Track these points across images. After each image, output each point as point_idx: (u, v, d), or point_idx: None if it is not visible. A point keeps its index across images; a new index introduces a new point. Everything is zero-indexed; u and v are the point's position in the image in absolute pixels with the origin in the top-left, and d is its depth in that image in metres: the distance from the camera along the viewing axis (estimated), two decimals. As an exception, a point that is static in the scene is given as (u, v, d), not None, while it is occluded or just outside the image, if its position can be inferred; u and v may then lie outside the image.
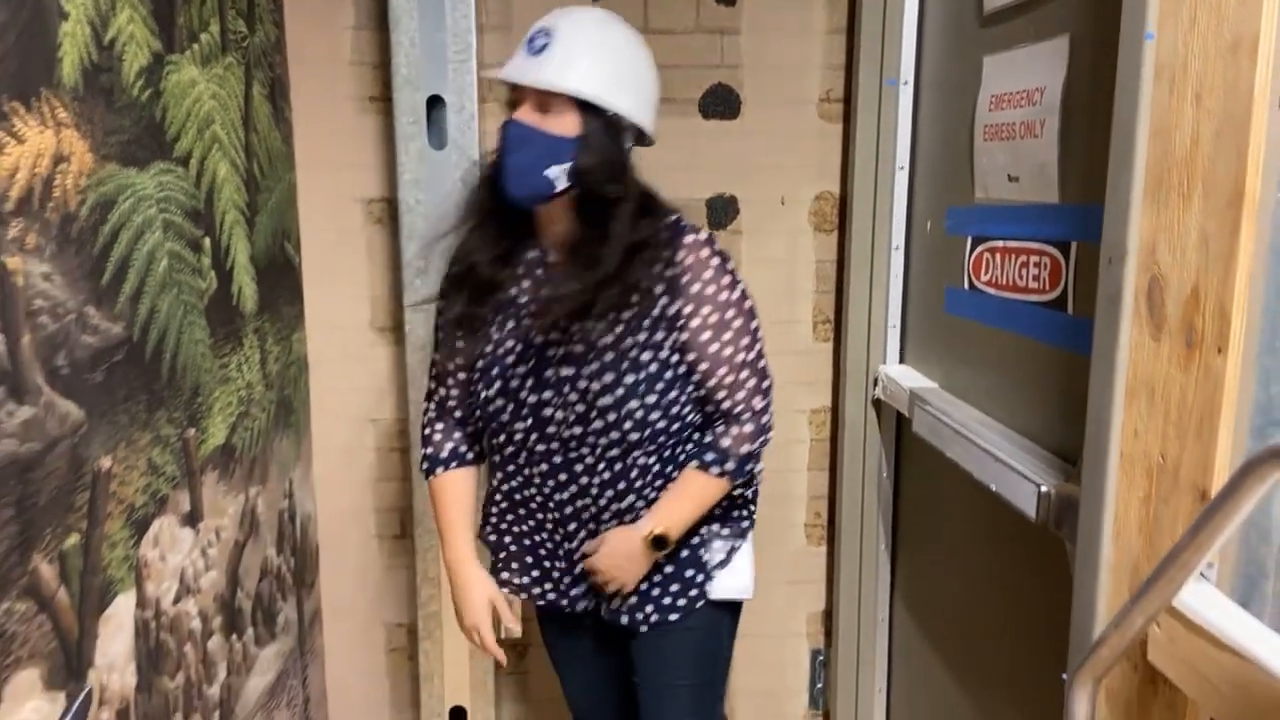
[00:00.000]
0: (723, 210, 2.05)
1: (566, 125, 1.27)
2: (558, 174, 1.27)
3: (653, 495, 1.41)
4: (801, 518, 2.19)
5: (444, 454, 1.50)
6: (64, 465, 1.07)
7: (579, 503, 1.41)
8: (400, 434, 2.08)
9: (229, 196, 1.61)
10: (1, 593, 0.95)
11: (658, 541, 1.38)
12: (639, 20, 1.96)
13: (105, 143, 1.18)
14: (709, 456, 1.40)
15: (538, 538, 1.47)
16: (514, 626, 1.50)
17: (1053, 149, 1.31)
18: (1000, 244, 1.48)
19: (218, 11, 1.57)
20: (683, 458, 1.42)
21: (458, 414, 1.49)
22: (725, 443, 1.40)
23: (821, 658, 2.24)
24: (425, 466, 1.52)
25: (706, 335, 1.35)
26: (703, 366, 1.36)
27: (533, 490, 1.43)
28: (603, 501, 1.40)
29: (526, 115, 1.29)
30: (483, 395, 1.40)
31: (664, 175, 1.42)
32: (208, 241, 1.51)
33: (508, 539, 1.50)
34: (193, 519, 1.44)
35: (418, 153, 1.84)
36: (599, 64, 1.28)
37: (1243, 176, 0.83)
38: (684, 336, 1.35)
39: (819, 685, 2.25)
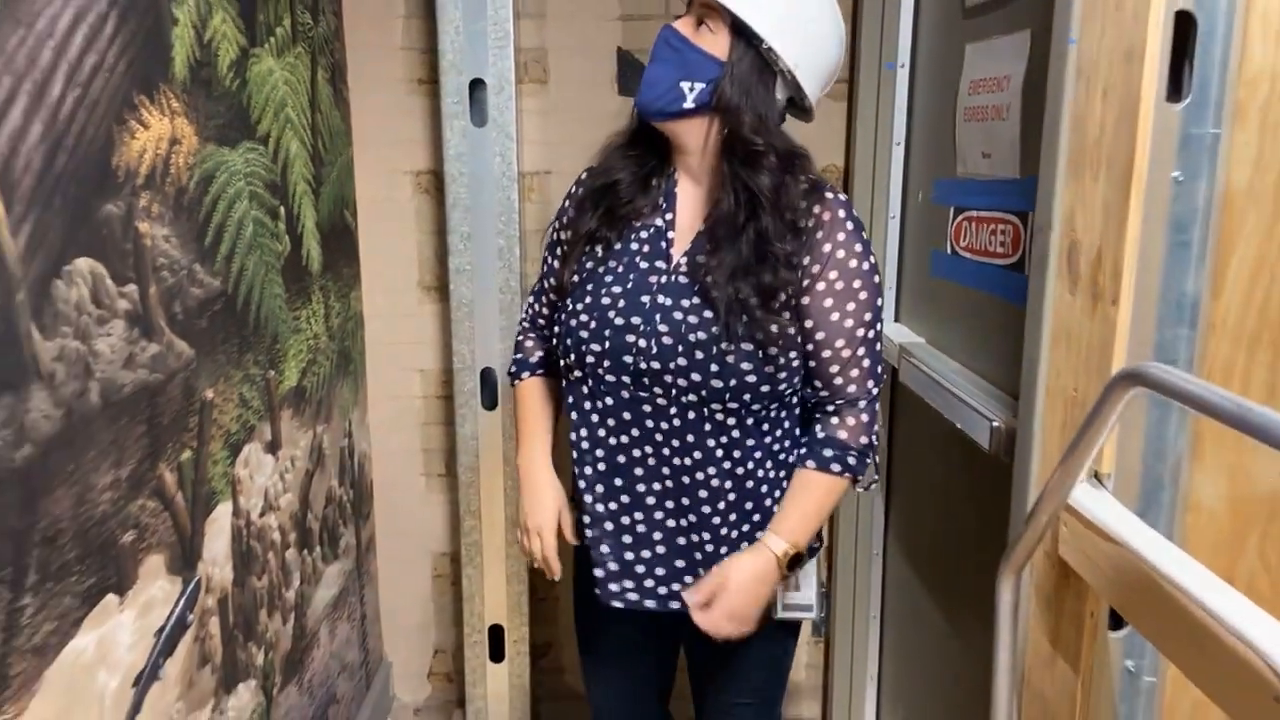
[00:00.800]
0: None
1: (716, 45, 1.22)
2: (691, 90, 1.23)
3: (726, 464, 1.31)
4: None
5: (532, 360, 1.51)
6: (179, 393, 1.32)
7: (638, 450, 1.32)
8: (444, 383, 2.32)
9: (299, 170, 1.84)
10: (138, 492, 1.20)
11: (794, 561, 1.30)
12: (660, 6, 2.16)
13: (206, 126, 1.42)
14: (827, 453, 1.31)
15: (613, 508, 1.36)
16: (555, 566, 1.45)
17: (1015, 129, 1.49)
18: (975, 213, 1.67)
19: (289, 7, 1.79)
20: (770, 440, 1.33)
21: (548, 332, 1.48)
22: (841, 435, 1.32)
23: (824, 590, 2.46)
24: (512, 370, 1.51)
25: (830, 301, 1.27)
26: (819, 335, 1.28)
27: (584, 433, 1.35)
28: (665, 452, 1.31)
29: (681, 25, 1.25)
30: (571, 306, 1.34)
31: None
32: (283, 210, 1.75)
33: (586, 519, 1.39)
34: (273, 447, 1.69)
35: (461, 130, 2.06)
36: (783, 19, 1.22)
37: (1132, 158, 1.02)
38: (804, 299, 1.27)
39: (822, 614, 2.48)
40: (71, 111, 1.06)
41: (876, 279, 1.30)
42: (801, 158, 1.29)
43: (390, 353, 2.31)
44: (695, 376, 1.26)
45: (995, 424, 1.42)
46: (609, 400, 1.32)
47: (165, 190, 1.28)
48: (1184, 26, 1.01)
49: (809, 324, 1.28)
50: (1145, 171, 1.02)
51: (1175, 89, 1.03)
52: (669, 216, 1.34)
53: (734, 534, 1.35)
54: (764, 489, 1.36)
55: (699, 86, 1.24)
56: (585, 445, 1.35)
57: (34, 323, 0.98)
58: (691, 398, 1.28)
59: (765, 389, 1.29)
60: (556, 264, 1.44)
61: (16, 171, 0.96)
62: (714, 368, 1.25)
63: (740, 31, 1.22)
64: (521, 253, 2.13)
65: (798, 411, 1.38)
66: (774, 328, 1.26)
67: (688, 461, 1.31)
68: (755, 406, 1.30)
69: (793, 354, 1.29)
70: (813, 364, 1.31)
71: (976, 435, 1.48)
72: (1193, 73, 1.01)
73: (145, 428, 1.22)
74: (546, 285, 1.48)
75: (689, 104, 1.25)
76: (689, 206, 1.34)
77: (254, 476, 1.59)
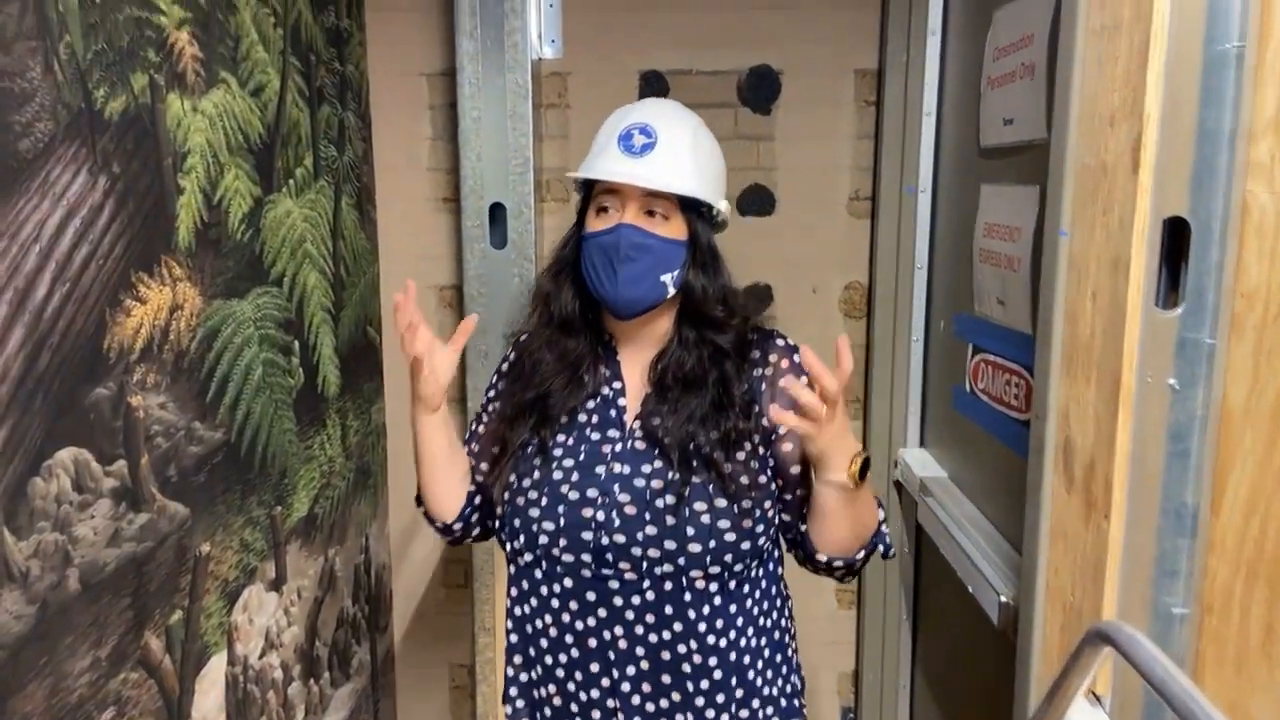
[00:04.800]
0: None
1: (675, 228, 1.24)
2: (670, 279, 1.24)
3: (710, 636, 1.24)
4: (832, 584, 2.33)
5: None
6: (171, 555, 1.34)
7: (608, 633, 1.25)
8: (466, 494, 2.32)
9: (317, 300, 1.88)
10: (119, 667, 1.21)
11: (865, 465, 1.19)
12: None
13: (213, 284, 1.45)
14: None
15: (584, 700, 1.28)
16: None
17: (1026, 286, 1.44)
18: (992, 358, 1.62)
19: (311, 145, 1.84)
20: (750, 604, 1.28)
21: (475, 478, 1.40)
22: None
23: (851, 715, 2.38)
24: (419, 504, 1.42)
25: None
26: (796, 472, 1.26)
27: (548, 620, 1.28)
28: (639, 631, 1.24)
29: (636, 219, 1.22)
30: (516, 484, 1.30)
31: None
32: (297, 344, 1.78)
33: (522, 704, 1.34)
34: (277, 584, 1.70)
35: (481, 252, 2.08)
36: (699, 162, 1.25)
37: (1120, 368, 0.96)
38: (776, 445, 1.26)
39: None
40: (59, 308, 1.09)
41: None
42: (737, 295, 1.30)
43: (412, 463, 2.32)
44: (669, 544, 1.21)
45: (1003, 599, 1.35)
46: (567, 582, 1.26)
47: (162, 359, 1.31)
48: (1180, 231, 0.96)
49: (793, 470, 1.27)
50: (1134, 383, 0.97)
51: (1173, 289, 0.98)
52: (617, 385, 1.32)
53: (722, 717, 1.30)
54: (747, 659, 1.30)
55: (675, 273, 1.24)
56: (553, 633, 1.28)
57: (6, 527, 1.00)
58: (667, 568, 1.22)
59: (746, 545, 1.24)
60: (482, 442, 1.40)
61: (-7, 382, 0.99)
62: (690, 531, 1.20)
63: (689, 205, 1.24)
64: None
65: (771, 565, 1.34)
66: (744, 479, 1.23)
67: (665, 637, 1.25)
68: (737, 567, 1.25)
69: (767, 503, 1.26)
70: (789, 498, 1.28)
71: (986, 607, 1.41)
72: (1187, 279, 0.96)
73: (130, 600, 1.24)
74: (472, 450, 1.42)
75: (670, 292, 1.25)
76: (635, 369, 1.32)
77: (253, 619, 1.60)
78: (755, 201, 2.17)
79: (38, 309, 1.05)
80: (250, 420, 1.58)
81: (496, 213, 2.09)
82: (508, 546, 1.32)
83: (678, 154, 1.23)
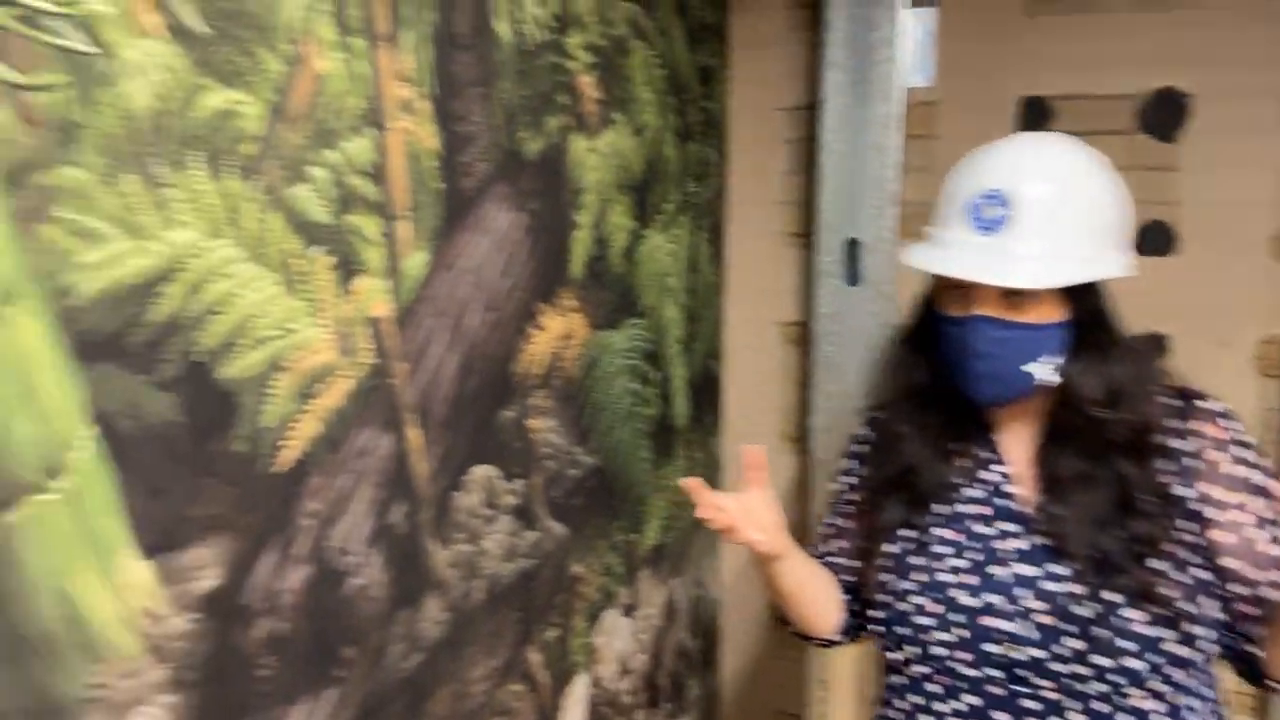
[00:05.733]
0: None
1: (1046, 310, 1.05)
2: (1040, 368, 1.06)
3: None
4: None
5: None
6: (552, 574, 1.39)
7: None
8: (799, 535, 2.26)
9: (673, 333, 1.91)
10: (508, 677, 1.27)
11: None
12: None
13: (595, 315, 1.51)
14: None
15: None
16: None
17: None
18: None
19: (678, 181, 1.88)
20: (1192, 716, 1.08)
21: (844, 578, 1.30)
22: None
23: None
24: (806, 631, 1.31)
25: (1245, 531, 1.06)
26: (1244, 571, 1.06)
27: None
28: None
29: (994, 308, 1.04)
30: (898, 587, 1.14)
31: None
32: (656, 375, 1.81)
33: None
34: (630, 610, 1.73)
35: (833, 288, 2.02)
36: (1079, 229, 1.03)
37: None
38: (1213, 534, 1.06)
39: None
40: (485, 335, 1.17)
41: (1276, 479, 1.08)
42: (1156, 373, 1.12)
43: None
44: (1101, 660, 1.04)
45: None
46: (973, 699, 1.11)
47: (554, 385, 1.37)
48: None
49: (1225, 562, 1.07)
50: None
51: None
52: (1000, 469, 1.15)
53: None
54: None
55: (1047, 361, 1.07)
56: None
57: (434, 536, 1.08)
58: (1101, 687, 1.05)
59: (1184, 652, 1.05)
60: (848, 538, 1.29)
61: (435, 402, 1.06)
62: (1124, 644, 1.03)
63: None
64: (889, 416, 2.02)
65: (1211, 670, 1.13)
66: (1174, 579, 1.05)
67: None
68: (1177, 676, 1.06)
69: (1211, 601, 1.07)
70: (1236, 596, 1.08)
71: None
72: None
73: (520, 614, 1.29)
74: (839, 548, 1.31)
75: (1043, 380, 1.08)
76: (1017, 447, 1.15)
77: (611, 642, 1.63)
78: (1153, 239, 1.92)
79: (469, 335, 1.13)
80: (617, 448, 1.63)
81: (852, 248, 2.02)
82: (892, 655, 1.19)
83: (1043, 225, 1.02)
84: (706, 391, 2.17)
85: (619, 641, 1.67)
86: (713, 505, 1.12)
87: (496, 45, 1.15)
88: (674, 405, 1.93)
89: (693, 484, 1.13)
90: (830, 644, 1.33)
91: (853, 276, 2.01)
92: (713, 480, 2.23)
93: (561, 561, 1.42)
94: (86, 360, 0.64)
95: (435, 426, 1.07)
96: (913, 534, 1.17)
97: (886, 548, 1.19)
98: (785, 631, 2.29)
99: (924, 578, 1.13)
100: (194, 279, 0.72)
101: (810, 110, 2.10)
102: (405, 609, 1.03)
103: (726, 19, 2.13)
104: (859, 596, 1.27)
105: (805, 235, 2.17)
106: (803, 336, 2.21)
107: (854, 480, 1.32)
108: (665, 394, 1.88)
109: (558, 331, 1.37)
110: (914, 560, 1.15)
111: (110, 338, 0.66)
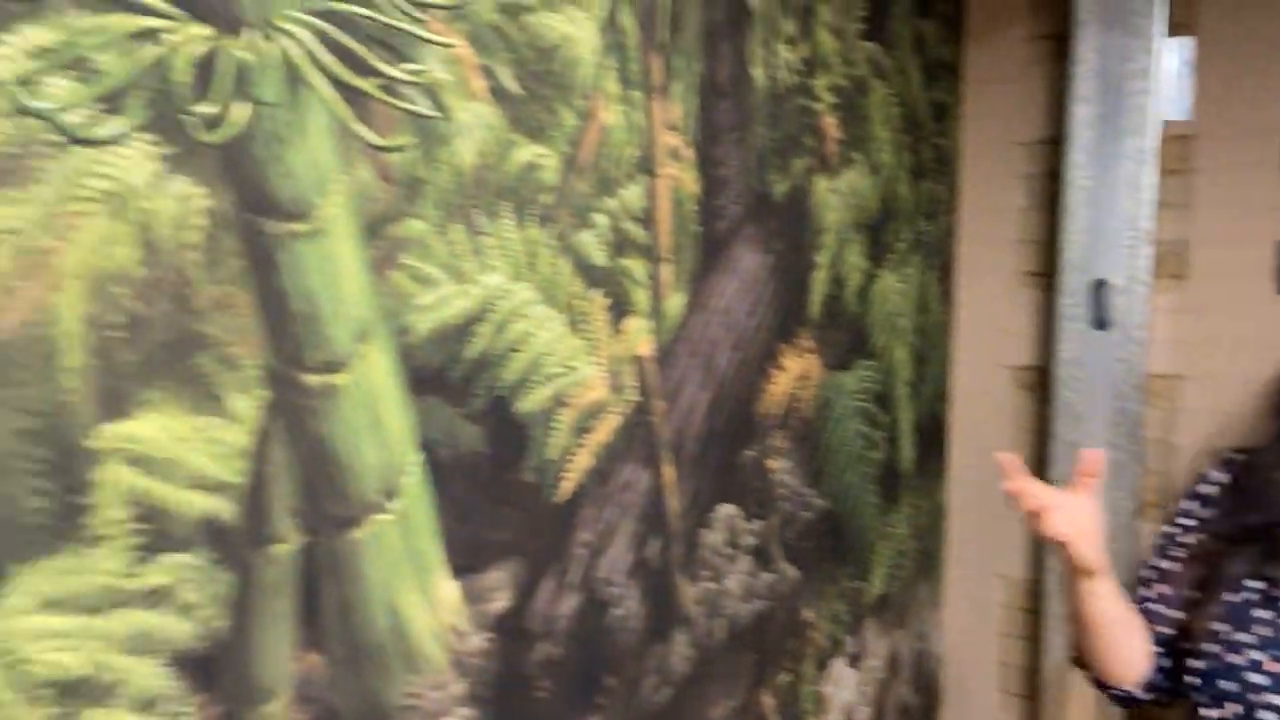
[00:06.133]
0: None
1: None
2: None
3: None
4: None
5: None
6: (785, 617, 1.37)
7: None
8: (1030, 594, 2.12)
9: (902, 376, 1.86)
10: (744, 718, 1.26)
11: None
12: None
13: (829, 355, 1.49)
14: None
15: None
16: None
17: None
18: None
19: (910, 219, 1.84)
20: None
21: (1160, 629, 1.23)
22: None
23: None
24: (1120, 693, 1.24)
25: None
26: None
27: None
28: None
29: None
30: (1234, 639, 1.08)
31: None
32: (885, 418, 1.77)
33: None
34: (855, 660, 1.68)
35: (1077, 332, 1.90)
36: None
37: None
38: None
39: None
40: (732, 374, 1.18)
41: None
42: None
43: (971, 554, 2.19)
44: None
45: None
46: None
47: (790, 425, 1.37)
48: None
49: None
50: None
51: None
52: None
53: None
54: None
55: None
56: None
57: (684, 572, 1.09)
58: None
59: None
60: (1173, 583, 1.20)
61: (687, 440, 1.09)
62: None
63: None
64: (1141, 469, 1.88)
65: None
66: None
67: None
68: None
69: None
70: None
71: None
72: None
73: (755, 656, 1.29)
74: (1160, 593, 1.23)
75: None
76: None
77: (838, 693, 1.59)
78: None
79: (719, 374, 1.15)
80: (846, 491, 1.60)
81: (1100, 290, 1.90)
82: (1210, 712, 1.11)
83: None
84: (933, 438, 2.09)
85: (845, 692, 1.63)
86: (1027, 484, 1.08)
87: (752, 91, 1.18)
88: (900, 450, 1.87)
89: (1007, 458, 1.09)
90: (1127, 700, 1.23)
91: (1100, 320, 1.89)
92: (936, 531, 2.15)
93: (794, 605, 1.40)
94: (417, 393, 0.70)
95: (686, 464, 1.09)
96: (1260, 585, 1.09)
97: (1227, 597, 1.11)
98: (1013, 697, 2.16)
99: (1267, 632, 1.06)
100: (500, 319, 0.78)
101: (1051, 144, 2.00)
102: (658, 642, 1.05)
103: (961, 55, 2.07)
104: (1172, 650, 1.19)
105: (1044, 275, 2.06)
106: (1038, 382, 2.09)
107: (1192, 523, 1.24)
108: (893, 437, 1.83)
109: (796, 372, 1.37)
110: (1259, 613, 1.08)
111: (435, 373, 0.72)
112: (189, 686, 0.54)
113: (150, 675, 0.52)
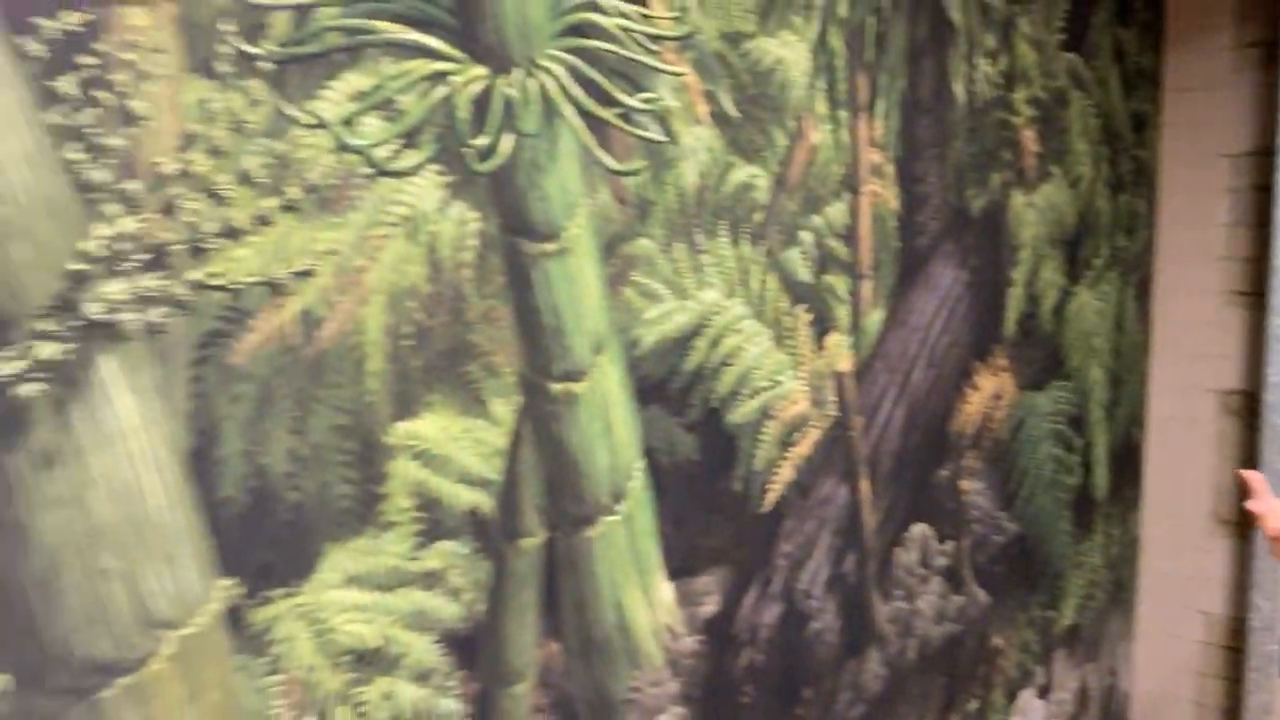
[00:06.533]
0: None
1: None
2: None
3: None
4: None
5: None
6: (975, 642, 1.34)
7: None
8: (1232, 632, 1.97)
9: (1097, 397, 1.77)
10: (933, 741, 1.24)
11: None
12: None
13: (1023, 375, 1.45)
14: None
15: None
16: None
17: None
18: None
19: (1108, 234, 1.76)
20: None
21: None
22: None
23: None
24: None
25: None
26: None
27: None
28: None
29: None
30: None
31: None
32: (1078, 441, 1.69)
33: None
34: (1044, 691, 1.61)
35: (1295, 354, 1.76)
36: None
37: None
38: None
39: None
40: (926, 392, 1.17)
41: None
42: None
43: (1169, 587, 2.05)
44: None
45: None
46: None
47: (983, 446, 1.34)
48: None
49: None
50: None
51: None
52: None
53: None
54: None
55: None
56: None
57: (878, 589, 1.09)
58: None
59: None
60: None
61: (883, 456, 1.09)
62: None
63: None
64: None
65: None
66: None
67: None
68: None
69: None
70: None
71: None
72: None
73: (945, 679, 1.26)
74: None
75: None
76: None
77: (1025, 725, 1.53)
78: None
79: (914, 391, 1.14)
80: (1038, 516, 1.54)
81: (1321, 308, 1.76)
82: None
83: None
84: (1127, 463, 1.98)
85: (1032, 724, 1.57)
86: (1273, 504, 1.03)
87: (952, 106, 1.17)
88: (1094, 475, 1.79)
89: (1251, 475, 1.05)
90: None
91: (1322, 341, 1.75)
92: (1130, 561, 2.03)
93: (984, 631, 1.37)
94: (642, 402, 0.74)
95: (882, 480, 1.09)
96: None
97: None
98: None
99: None
100: (715, 334, 0.81)
101: (1259, 155, 1.87)
102: (852, 658, 1.05)
103: (1161, 63, 1.97)
104: None
105: (1254, 294, 1.92)
106: (1246, 407, 1.95)
107: None
108: (1087, 462, 1.75)
109: (989, 390, 1.34)
110: None
111: (658, 384, 0.75)
112: (454, 663, 0.60)
113: (426, 650, 0.57)
